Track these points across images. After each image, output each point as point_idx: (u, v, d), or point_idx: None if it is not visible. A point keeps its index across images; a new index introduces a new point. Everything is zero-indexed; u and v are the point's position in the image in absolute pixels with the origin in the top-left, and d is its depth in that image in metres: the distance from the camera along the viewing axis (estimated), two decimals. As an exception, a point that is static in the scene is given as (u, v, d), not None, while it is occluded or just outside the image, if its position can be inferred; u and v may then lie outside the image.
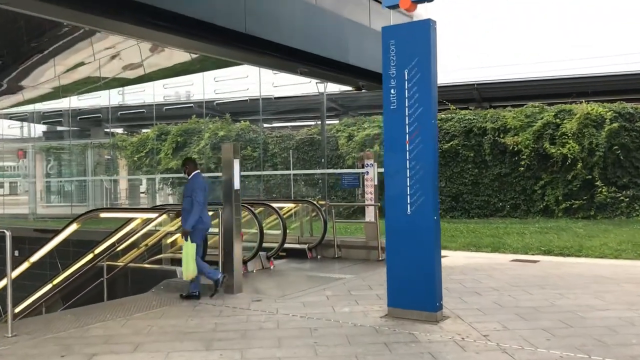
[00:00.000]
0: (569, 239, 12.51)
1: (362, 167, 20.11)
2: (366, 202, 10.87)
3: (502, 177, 18.28)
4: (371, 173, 10.81)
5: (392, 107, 6.37)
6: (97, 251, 9.00)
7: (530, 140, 17.36)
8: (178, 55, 12.30)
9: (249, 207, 9.36)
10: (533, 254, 11.08)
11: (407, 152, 6.19)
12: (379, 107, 22.02)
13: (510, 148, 17.64)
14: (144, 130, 23.61)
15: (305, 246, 11.09)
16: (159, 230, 9.90)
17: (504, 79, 20.64)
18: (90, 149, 22.33)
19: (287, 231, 10.42)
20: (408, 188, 6.18)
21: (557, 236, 13.07)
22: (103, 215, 10.91)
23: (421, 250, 6.12)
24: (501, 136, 17.96)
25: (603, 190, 16.72)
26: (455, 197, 18.76)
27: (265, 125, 23.87)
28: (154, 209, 10.61)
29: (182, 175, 21.68)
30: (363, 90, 10.89)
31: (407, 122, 6.24)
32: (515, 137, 17.56)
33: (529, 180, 17.88)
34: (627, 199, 16.66)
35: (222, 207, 7.81)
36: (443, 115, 18.88)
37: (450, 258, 10.56)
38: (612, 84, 20.15)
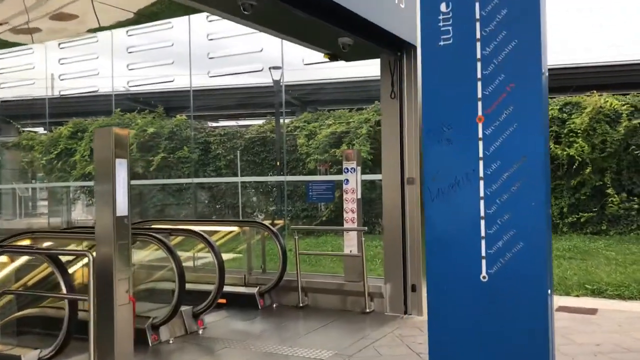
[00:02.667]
0: (610, 269, 9.33)
1: (326, 172, 16.75)
2: (346, 225, 7.34)
3: (494, 184, 15.10)
4: (352, 181, 7.30)
5: (440, 44, 2.88)
6: None
7: (531, 140, 14.23)
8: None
9: (156, 237, 5.69)
10: (577, 296, 7.83)
11: (481, 142, 2.74)
12: (346, 102, 18.65)
13: (507, 149, 14.45)
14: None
15: (255, 290, 7.48)
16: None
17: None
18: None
19: (226, 267, 6.81)
20: (483, 222, 2.72)
21: (588, 263, 9.90)
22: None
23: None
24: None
25: (615, 199, 13.77)
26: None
27: (209, 123, 20.02)
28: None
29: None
30: (339, 60, 7.41)
31: (479, 73, 2.77)
32: (513, 135, 14.40)
33: (528, 188, 14.75)
34: (645, 210, 13.79)
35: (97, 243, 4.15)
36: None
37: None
38: (622, 76, 17.33)
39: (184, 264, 6.98)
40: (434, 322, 2.86)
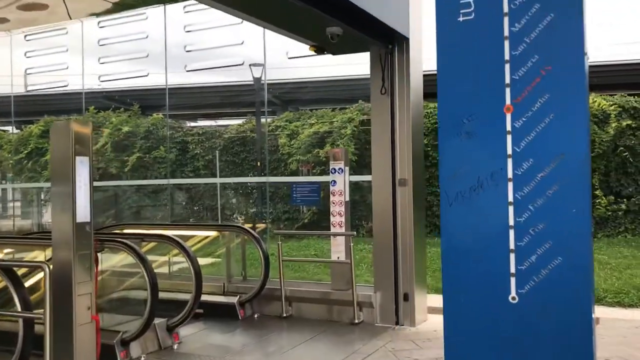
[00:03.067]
0: (606, 274, 9.00)
1: (309, 173, 16.24)
2: (333, 229, 6.86)
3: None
4: (340, 182, 6.83)
5: (459, 20, 2.41)
6: None
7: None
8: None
9: (127, 243, 5.14)
10: (630, 306, 7.30)
11: (509, 137, 2.28)
12: (328, 101, 18.15)
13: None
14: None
15: (235, 299, 6.96)
16: None
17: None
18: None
19: (204, 274, 6.29)
20: (512, 232, 2.26)
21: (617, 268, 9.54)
22: None
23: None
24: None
25: (603, 201, 13.53)
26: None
27: (188, 122, 19.36)
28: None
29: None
30: (325, 53, 6.93)
31: (507, 54, 2.31)
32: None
33: (515, 190, 14.44)
34: (632, 212, 13.56)
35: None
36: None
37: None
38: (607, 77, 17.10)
39: (158, 270, 6.46)
40: (451, 351, 2.39)
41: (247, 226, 7.53)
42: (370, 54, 6.55)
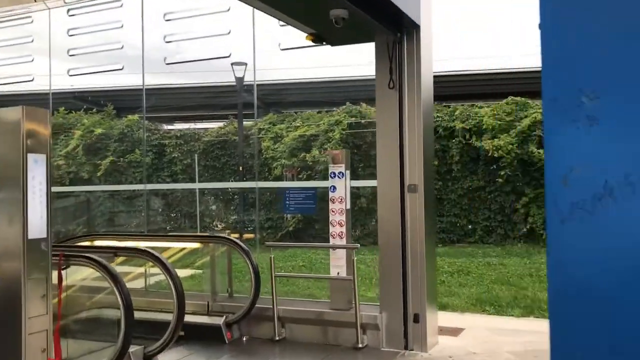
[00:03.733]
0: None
1: (293, 178, 15.46)
2: (332, 241, 6.10)
3: (473, 191, 14.16)
4: (340, 188, 6.07)
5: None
6: None
7: (514, 145, 13.36)
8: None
9: (97, 260, 4.32)
10: None
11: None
12: (312, 104, 17.39)
13: (489, 154, 13.53)
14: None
15: (221, 320, 6.15)
16: None
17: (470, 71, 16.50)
18: None
19: (185, 291, 5.48)
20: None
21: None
22: None
23: None
24: (474, 139, 13.85)
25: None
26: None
27: (165, 125, 18.39)
28: None
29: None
30: (325, 44, 6.19)
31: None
32: (495, 140, 13.49)
33: (509, 196, 13.88)
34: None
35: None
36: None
37: (470, 333, 6.04)
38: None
39: (132, 284, 5.65)
40: None
41: (233, 236, 6.73)
42: (376, 44, 5.83)
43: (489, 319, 7.06)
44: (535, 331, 6.39)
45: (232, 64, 14.18)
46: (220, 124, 16.36)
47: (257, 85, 15.81)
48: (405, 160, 5.70)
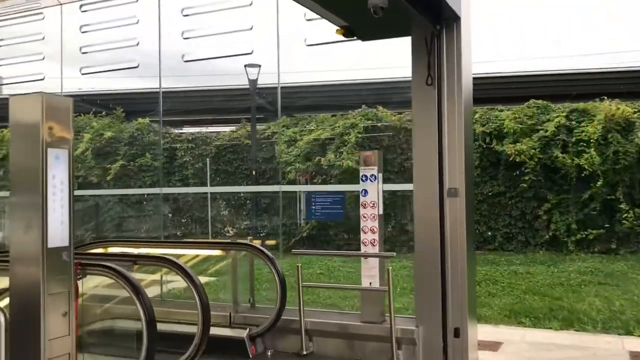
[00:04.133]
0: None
1: (307, 183, 15.04)
2: (364, 248, 5.69)
3: (493, 197, 13.73)
4: (372, 192, 5.68)
5: None
6: None
7: (537, 149, 12.93)
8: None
9: (117, 269, 3.94)
10: None
11: None
12: (328, 108, 17.00)
13: (511, 159, 13.10)
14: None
15: (244, 333, 5.76)
16: None
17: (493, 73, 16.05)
18: None
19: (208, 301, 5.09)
20: None
21: (624, 290, 8.54)
22: None
23: None
24: (494, 143, 13.44)
25: (629, 215, 12.57)
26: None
27: (174, 129, 18.02)
28: None
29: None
30: (359, 40, 5.80)
31: None
32: (517, 144, 13.06)
33: (530, 202, 13.44)
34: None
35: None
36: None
37: (510, 348, 5.63)
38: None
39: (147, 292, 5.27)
40: None
41: (256, 243, 6.32)
42: (413, 38, 5.44)
43: (526, 331, 6.64)
44: (578, 346, 6.00)
45: (245, 66, 13.87)
46: (232, 127, 16.00)
47: (267, 88, 15.56)
48: (444, 163, 5.30)
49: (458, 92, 5.29)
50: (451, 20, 5.28)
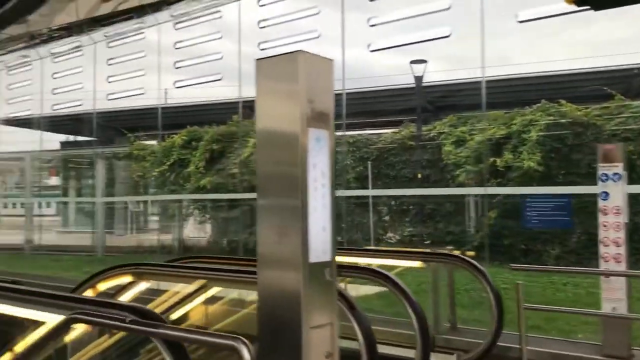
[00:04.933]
0: None
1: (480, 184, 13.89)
2: (604, 265, 4.62)
3: None
4: (616, 195, 4.58)
5: None
6: None
7: None
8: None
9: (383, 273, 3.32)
10: None
11: None
12: (498, 105, 15.69)
13: None
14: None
15: (453, 358, 4.95)
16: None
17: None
18: (101, 160, 16.99)
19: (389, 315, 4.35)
20: None
21: None
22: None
23: None
24: None
25: None
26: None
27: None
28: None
29: (219, 196, 16.04)
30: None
31: None
32: None
33: None
34: None
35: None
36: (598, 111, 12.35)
37: None
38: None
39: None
40: None
41: (457, 253, 5.48)
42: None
43: None
44: None
45: (410, 62, 13.14)
46: (393, 129, 15.30)
47: (425, 87, 14.68)
48: None
49: None
50: None
